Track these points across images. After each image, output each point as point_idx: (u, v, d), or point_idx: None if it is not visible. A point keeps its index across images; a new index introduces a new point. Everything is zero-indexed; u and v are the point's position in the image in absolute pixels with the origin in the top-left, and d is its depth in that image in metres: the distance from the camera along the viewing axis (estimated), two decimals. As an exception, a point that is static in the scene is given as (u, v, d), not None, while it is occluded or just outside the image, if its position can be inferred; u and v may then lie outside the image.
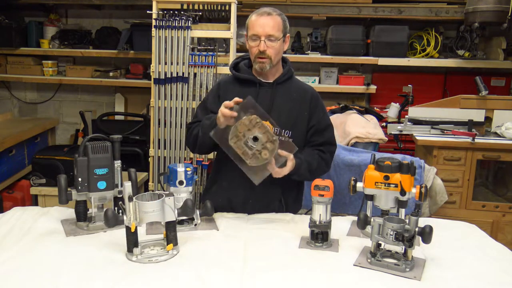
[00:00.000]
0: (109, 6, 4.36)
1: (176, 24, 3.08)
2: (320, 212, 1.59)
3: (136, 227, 1.47)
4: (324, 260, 1.51)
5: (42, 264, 1.44)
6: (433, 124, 3.13)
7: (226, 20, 3.28)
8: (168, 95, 3.12)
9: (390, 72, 4.16)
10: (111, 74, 4.27)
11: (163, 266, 1.45)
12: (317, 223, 1.59)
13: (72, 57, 4.43)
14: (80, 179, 1.69)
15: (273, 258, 1.51)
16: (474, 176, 2.93)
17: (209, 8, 3.18)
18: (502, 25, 3.43)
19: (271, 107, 1.92)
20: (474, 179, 2.93)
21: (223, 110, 1.72)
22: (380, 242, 1.48)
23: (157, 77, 3.12)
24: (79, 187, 1.69)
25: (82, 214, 1.73)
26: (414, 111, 3.23)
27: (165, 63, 3.11)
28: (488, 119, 3.20)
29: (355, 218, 1.71)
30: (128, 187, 1.63)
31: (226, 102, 1.73)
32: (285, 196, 2.00)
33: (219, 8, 3.17)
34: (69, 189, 1.70)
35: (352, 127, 3.07)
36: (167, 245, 1.52)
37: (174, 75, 3.10)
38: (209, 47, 3.12)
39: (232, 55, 3.15)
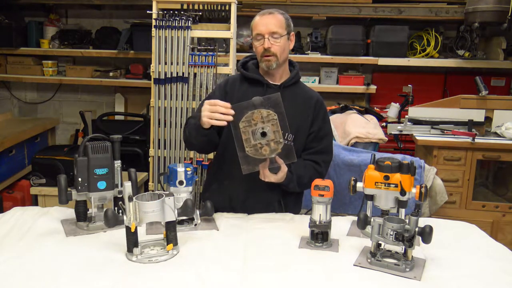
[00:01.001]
0: (109, 6, 4.36)
1: (176, 24, 3.07)
2: (320, 212, 1.59)
3: (136, 227, 1.47)
4: (324, 260, 1.51)
5: (42, 264, 1.44)
6: (433, 124, 3.13)
7: (226, 20, 3.28)
8: (168, 95, 3.12)
9: (390, 72, 4.16)
10: (111, 74, 4.27)
11: (163, 266, 1.45)
12: (317, 223, 1.59)
13: (72, 57, 4.43)
14: (80, 179, 1.69)
15: (273, 258, 1.51)
16: (474, 176, 2.93)
17: (209, 8, 3.18)
18: (502, 25, 3.43)
19: None
20: (474, 179, 2.93)
21: (215, 108, 1.71)
22: (380, 242, 1.48)
23: (157, 77, 3.12)
24: (79, 187, 1.69)
25: (82, 214, 1.73)
26: (414, 111, 3.23)
27: (165, 63, 3.11)
28: (488, 119, 3.20)
29: (355, 218, 1.71)
30: (128, 187, 1.63)
31: (213, 100, 1.73)
32: (284, 198, 2.00)
33: (219, 8, 3.17)
34: (69, 189, 1.70)
35: (352, 127, 3.07)
36: (167, 245, 1.52)
37: (174, 75, 3.10)
38: (209, 47, 3.12)
39: (232, 55, 3.15)
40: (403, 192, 1.57)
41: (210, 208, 1.72)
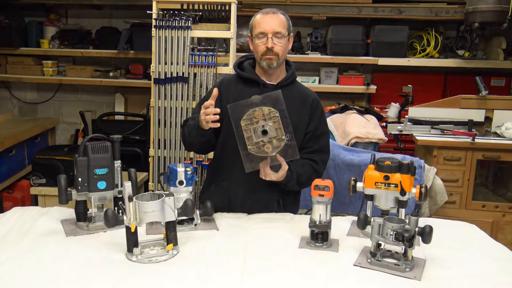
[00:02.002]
0: (109, 6, 4.36)
1: (176, 24, 3.07)
2: (320, 212, 1.59)
3: (136, 227, 1.47)
4: (324, 260, 1.51)
5: (42, 264, 1.44)
6: (433, 124, 3.13)
7: (226, 20, 3.28)
8: (168, 95, 3.12)
9: (390, 72, 4.16)
10: (111, 74, 4.27)
11: (163, 266, 1.45)
12: (317, 223, 1.59)
13: (72, 57, 4.43)
14: (80, 179, 1.69)
15: (273, 258, 1.51)
16: (474, 176, 2.93)
17: (209, 8, 3.18)
18: (502, 25, 3.43)
19: None
20: (474, 179, 2.93)
21: (208, 111, 1.76)
22: (380, 242, 1.48)
23: (157, 77, 3.12)
24: (79, 187, 1.69)
25: (82, 214, 1.73)
26: (414, 111, 3.23)
27: (165, 63, 3.11)
28: (488, 119, 3.20)
29: (355, 218, 1.71)
30: (128, 187, 1.63)
31: (206, 103, 1.77)
32: (283, 197, 2.00)
33: (219, 8, 3.17)
34: (69, 189, 1.70)
35: (352, 127, 3.07)
36: (167, 245, 1.52)
37: (174, 75, 3.10)
38: (209, 47, 3.12)
39: (232, 55, 3.15)
40: (403, 192, 1.57)
41: (210, 208, 1.72)
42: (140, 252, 1.49)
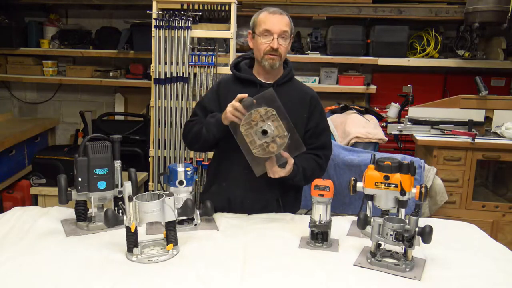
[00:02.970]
0: (109, 6, 4.36)
1: (176, 24, 3.08)
2: (320, 212, 1.59)
3: (136, 227, 1.47)
4: (324, 260, 1.51)
5: (42, 264, 1.44)
6: (433, 124, 3.13)
7: (226, 20, 3.28)
8: (168, 95, 3.12)
9: (390, 72, 4.16)
10: (111, 74, 4.27)
11: (163, 266, 1.45)
12: (317, 223, 1.59)
13: (72, 57, 4.43)
14: (80, 179, 1.69)
15: (273, 258, 1.51)
16: (474, 176, 2.93)
17: (209, 8, 3.18)
18: (502, 25, 3.43)
19: None
20: (474, 179, 2.93)
21: (236, 105, 1.73)
22: (380, 242, 1.48)
23: (157, 77, 3.12)
24: (79, 187, 1.69)
25: (82, 214, 1.73)
26: (414, 111, 3.23)
27: (165, 63, 3.11)
28: (488, 119, 3.20)
29: (355, 218, 1.71)
30: (128, 187, 1.63)
31: (236, 104, 1.75)
32: (283, 197, 2.00)
33: (219, 8, 3.17)
34: (69, 189, 1.70)
35: (352, 127, 3.07)
36: (167, 245, 1.52)
37: (174, 75, 3.10)
38: (209, 47, 3.12)
39: (232, 55, 3.15)
40: (403, 192, 1.57)
41: (210, 208, 1.72)
42: (140, 252, 1.49)
